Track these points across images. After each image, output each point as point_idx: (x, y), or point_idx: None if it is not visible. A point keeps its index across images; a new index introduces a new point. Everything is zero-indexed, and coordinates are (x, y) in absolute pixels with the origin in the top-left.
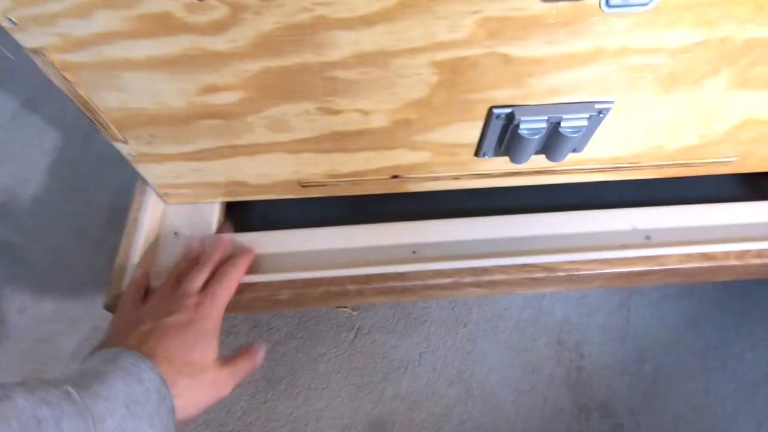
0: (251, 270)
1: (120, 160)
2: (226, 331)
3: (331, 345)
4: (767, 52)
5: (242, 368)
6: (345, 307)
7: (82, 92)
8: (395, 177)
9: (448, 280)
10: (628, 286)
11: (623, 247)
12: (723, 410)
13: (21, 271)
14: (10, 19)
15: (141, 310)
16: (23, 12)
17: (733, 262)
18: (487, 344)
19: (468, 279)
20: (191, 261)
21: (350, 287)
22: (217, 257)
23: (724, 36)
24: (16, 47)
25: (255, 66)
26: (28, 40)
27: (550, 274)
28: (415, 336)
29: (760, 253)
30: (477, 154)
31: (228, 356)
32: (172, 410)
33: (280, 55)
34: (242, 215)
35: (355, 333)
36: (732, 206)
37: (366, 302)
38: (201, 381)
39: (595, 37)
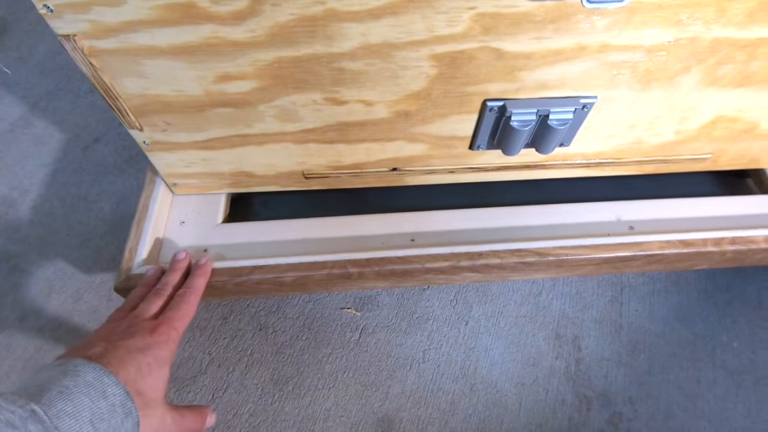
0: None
1: (119, 169)
2: (231, 335)
3: (336, 345)
4: (732, 52)
5: (190, 421)
6: (349, 308)
7: (105, 78)
8: (394, 170)
9: (445, 264)
10: (616, 274)
11: (609, 235)
12: (714, 396)
13: (21, 281)
14: (47, 6)
15: (93, 334)
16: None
17: (710, 248)
18: (488, 340)
19: (464, 263)
20: (147, 287)
21: (352, 270)
22: (174, 280)
23: (692, 36)
24: (12, 62)
25: (269, 55)
26: (61, 26)
27: (541, 259)
28: (418, 334)
29: (734, 240)
30: (471, 147)
31: (178, 405)
32: (137, 425)
33: (293, 46)
34: (245, 207)
35: (360, 333)
36: (708, 200)
37: (366, 286)
38: (146, 415)
39: (578, 34)
